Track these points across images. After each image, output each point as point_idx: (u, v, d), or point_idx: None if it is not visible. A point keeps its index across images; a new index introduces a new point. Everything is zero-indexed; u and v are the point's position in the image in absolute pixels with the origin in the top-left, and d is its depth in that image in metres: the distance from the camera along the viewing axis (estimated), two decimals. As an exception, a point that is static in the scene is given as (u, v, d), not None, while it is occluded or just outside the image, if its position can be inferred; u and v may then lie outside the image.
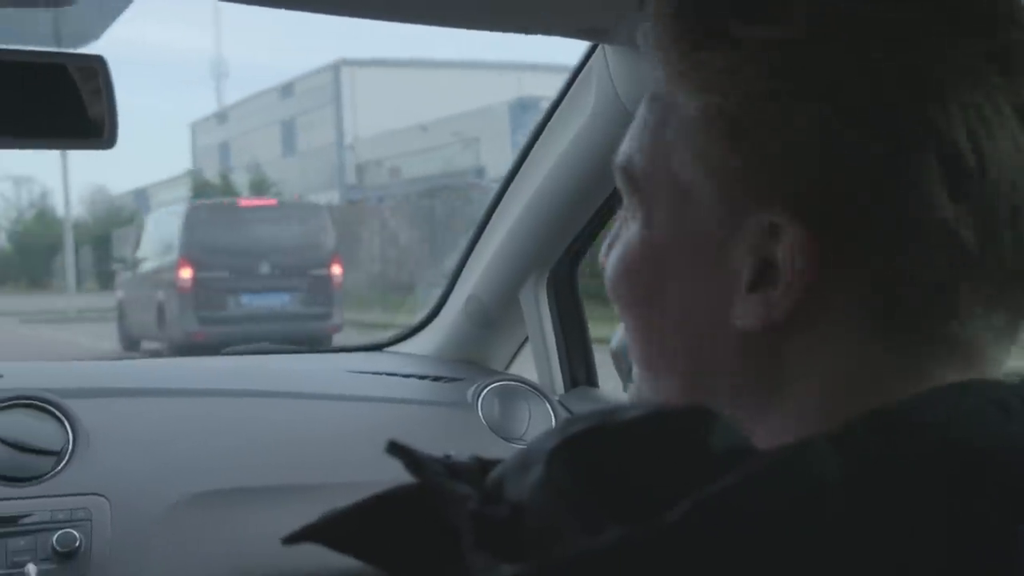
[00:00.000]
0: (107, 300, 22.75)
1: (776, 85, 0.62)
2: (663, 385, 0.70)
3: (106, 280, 31.04)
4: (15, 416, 1.69)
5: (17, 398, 1.70)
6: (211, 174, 39.06)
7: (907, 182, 0.60)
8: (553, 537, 0.54)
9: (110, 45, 1.45)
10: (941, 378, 0.63)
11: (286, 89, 35.93)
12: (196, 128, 43.20)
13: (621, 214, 0.75)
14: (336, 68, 32.79)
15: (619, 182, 0.72)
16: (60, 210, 44.03)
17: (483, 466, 0.64)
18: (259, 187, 28.83)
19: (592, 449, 0.57)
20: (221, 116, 41.19)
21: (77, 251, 35.62)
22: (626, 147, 0.72)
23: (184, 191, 39.14)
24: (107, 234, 33.45)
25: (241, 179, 32.56)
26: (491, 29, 1.64)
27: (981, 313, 0.63)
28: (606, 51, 1.66)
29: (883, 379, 0.63)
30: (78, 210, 42.60)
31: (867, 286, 0.62)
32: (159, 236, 16.19)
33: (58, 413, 1.71)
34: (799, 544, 0.52)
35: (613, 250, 0.73)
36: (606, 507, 0.54)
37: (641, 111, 0.72)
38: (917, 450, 0.55)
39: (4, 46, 1.34)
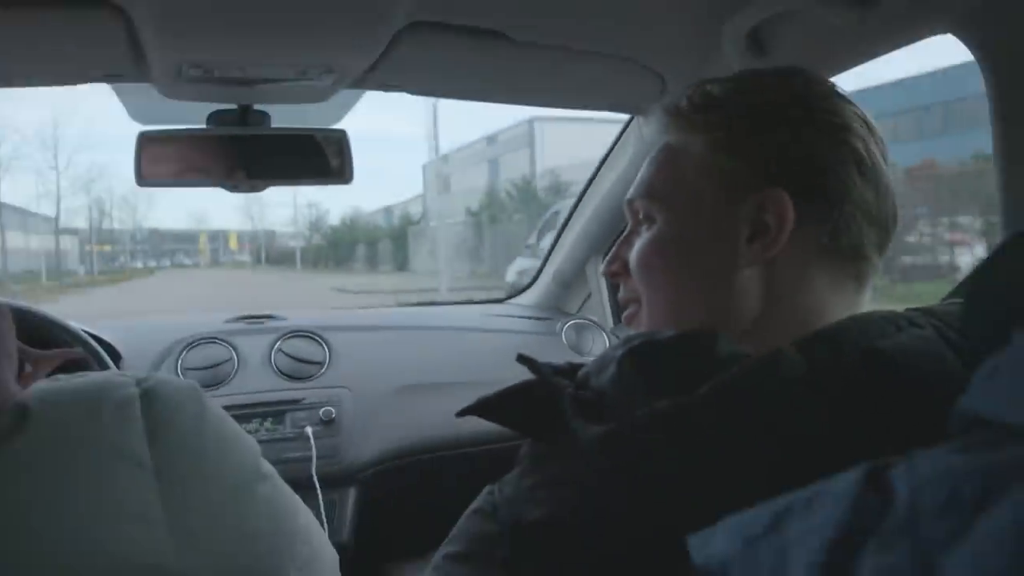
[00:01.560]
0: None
1: (754, 123, 0.68)
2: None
3: (402, 263, 31.68)
4: (297, 342, 1.82)
5: (298, 330, 1.84)
6: (437, 197, 38.56)
7: (840, 170, 0.67)
8: (624, 409, 0.56)
9: (361, 128, 1.60)
10: (854, 295, 0.69)
11: (491, 139, 35.51)
12: (426, 168, 42.55)
13: (624, 235, 0.78)
14: (531, 122, 32.37)
15: (641, 203, 0.74)
16: (333, 221, 45.71)
17: (573, 367, 0.67)
18: (558, 190, 24.52)
19: (646, 355, 0.60)
20: (444, 158, 40.22)
21: (376, 246, 36.52)
22: (643, 180, 0.75)
23: (418, 207, 39.22)
24: (403, 232, 33.39)
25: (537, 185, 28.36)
26: (558, 106, 1.65)
27: (874, 252, 0.70)
28: (639, 120, 1.69)
29: (827, 299, 0.68)
30: (337, 223, 43.59)
31: (820, 234, 0.67)
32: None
33: (320, 339, 1.84)
34: (775, 412, 0.54)
35: (633, 251, 0.74)
36: (656, 390, 0.57)
37: (651, 159, 0.75)
38: (846, 354, 0.58)
39: (284, 126, 1.44)
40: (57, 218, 36.94)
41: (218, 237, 56.51)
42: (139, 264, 48.26)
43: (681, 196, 0.71)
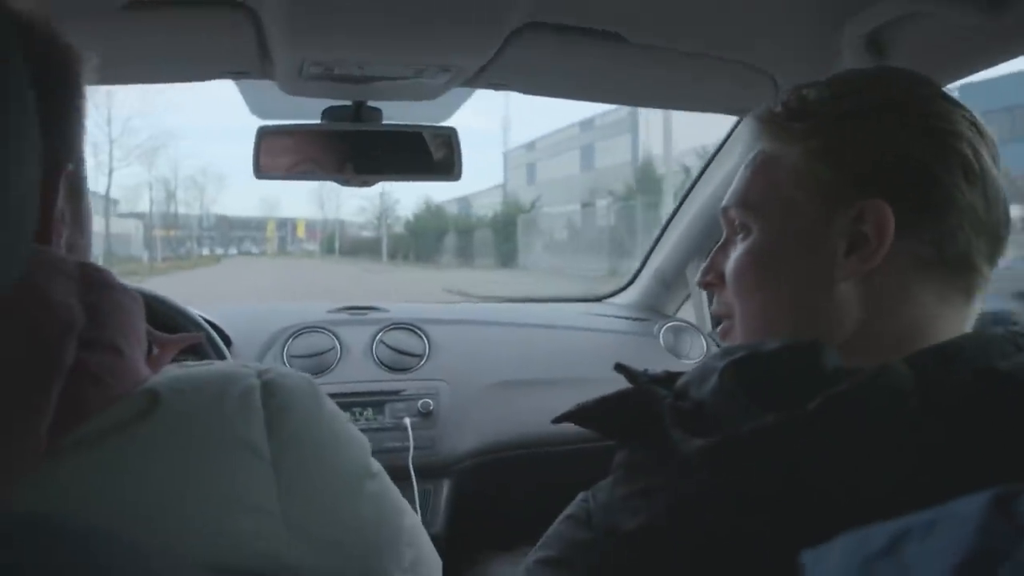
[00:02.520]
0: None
1: (851, 130, 0.66)
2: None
3: (507, 257, 28.04)
4: (398, 334, 1.87)
5: (399, 322, 1.90)
6: (519, 186, 36.61)
7: (945, 178, 0.64)
8: (725, 423, 0.56)
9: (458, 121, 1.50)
10: (963, 308, 0.66)
11: (586, 124, 33.60)
12: (508, 155, 41.00)
13: (720, 244, 0.76)
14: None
15: (736, 212, 0.73)
16: (402, 213, 42.00)
17: (670, 376, 0.67)
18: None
19: (749, 367, 0.59)
20: (529, 145, 38.60)
21: (470, 236, 32.36)
22: (738, 189, 0.73)
23: (498, 197, 36.80)
24: (510, 221, 29.83)
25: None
26: (669, 107, 1.61)
27: (984, 263, 0.66)
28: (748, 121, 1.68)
29: (933, 313, 0.65)
30: (410, 214, 39.34)
31: (923, 245, 0.64)
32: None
33: (420, 332, 1.89)
34: (887, 427, 0.53)
35: (728, 262, 0.73)
36: (759, 403, 0.56)
37: (747, 167, 0.73)
38: (957, 372, 0.56)
39: (396, 122, 1.48)
40: (108, 195, 33.67)
41: (286, 225, 55.12)
42: (206, 251, 46.69)
43: (776, 206, 0.69)
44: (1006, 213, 0.68)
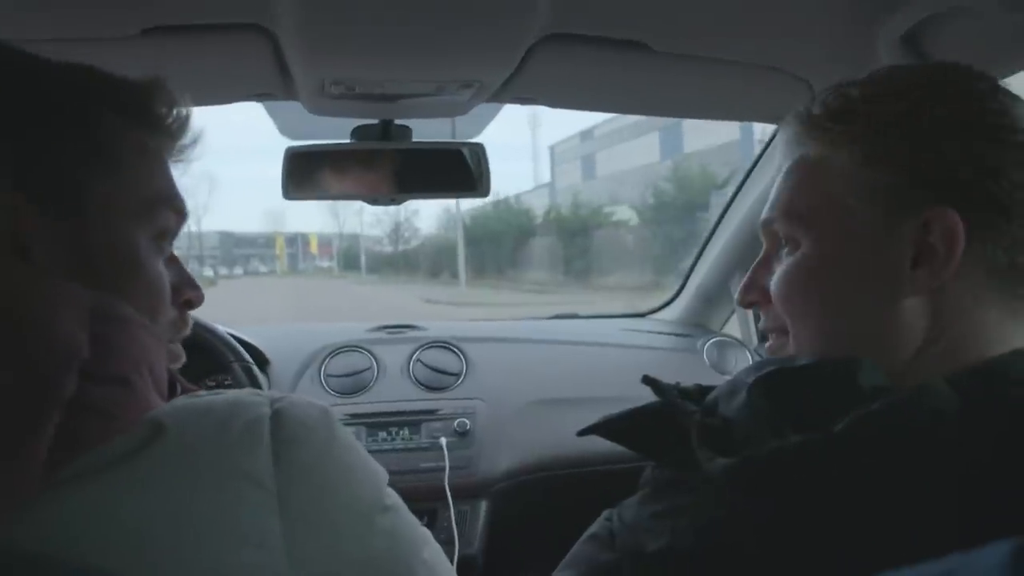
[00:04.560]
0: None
1: (908, 131, 0.61)
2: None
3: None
4: (435, 353, 1.87)
5: (437, 341, 1.90)
6: (573, 184, 31.13)
7: (1015, 177, 0.58)
8: (752, 441, 0.54)
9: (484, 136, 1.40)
10: None
11: None
12: (555, 149, 36.10)
13: (761, 259, 0.73)
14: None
15: (781, 224, 0.68)
16: (420, 224, 36.05)
17: (702, 390, 0.66)
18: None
19: (779, 383, 0.57)
20: (585, 134, 33.45)
21: (582, 240, 24.64)
22: (780, 200, 0.68)
23: (543, 199, 31.62)
24: (672, 204, 21.92)
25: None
26: (700, 117, 1.57)
27: None
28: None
29: (1004, 328, 0.60)
30: (431, 222, 32.69)
31: (995, 252, 0.59)
32: None
33: (458, 350, 1.89)
34: (922, 452, 0.50)
35: (774, 278, 0.68)
36: (788, 422, 0.54)
37: (787, 175, 0.68)
38: (1008, 393, 0.53)
39: (425, 139, 1.46)
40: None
41: (296, 241, 51.19)
42: (208, 271, 42.35)
43: (828, 216, 0.64)
44: None
